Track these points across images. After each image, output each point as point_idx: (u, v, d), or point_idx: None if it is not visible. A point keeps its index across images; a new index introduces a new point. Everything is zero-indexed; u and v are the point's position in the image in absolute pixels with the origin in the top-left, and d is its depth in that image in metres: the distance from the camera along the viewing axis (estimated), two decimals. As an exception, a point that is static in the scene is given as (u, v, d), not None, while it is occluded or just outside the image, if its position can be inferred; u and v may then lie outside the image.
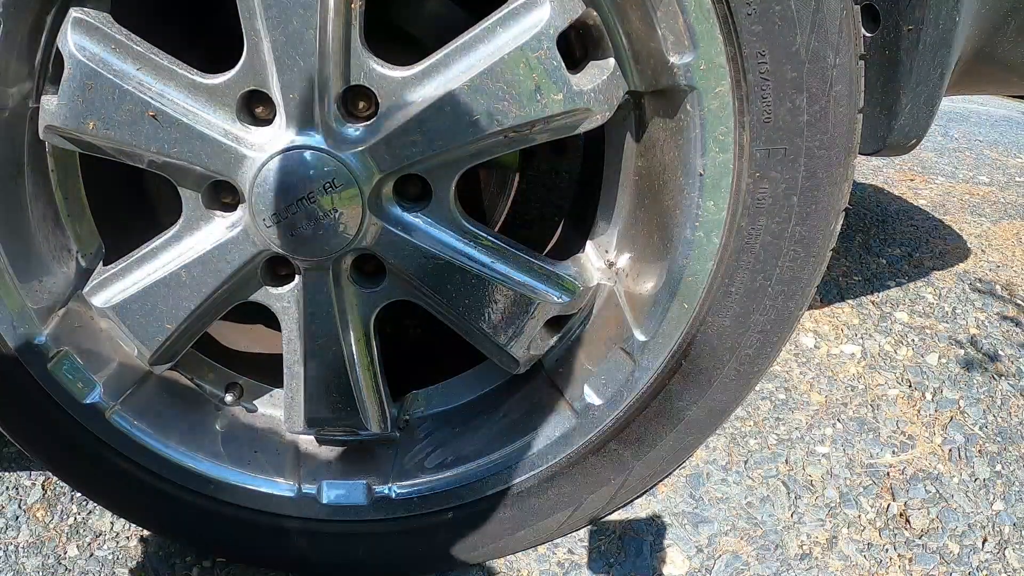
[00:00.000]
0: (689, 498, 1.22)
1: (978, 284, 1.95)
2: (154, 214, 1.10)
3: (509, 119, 0.76)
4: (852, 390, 1.50)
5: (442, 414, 1.05)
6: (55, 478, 1.20)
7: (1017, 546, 1.16)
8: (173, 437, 0.97)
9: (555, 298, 0.87)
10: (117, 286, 0.88)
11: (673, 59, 0.75)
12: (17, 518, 1.15)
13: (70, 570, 1.07)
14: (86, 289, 0.90)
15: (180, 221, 0.86)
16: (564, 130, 0.79)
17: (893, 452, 1.34)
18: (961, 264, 2.08)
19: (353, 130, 0.78)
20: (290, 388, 0.94)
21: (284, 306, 0.90)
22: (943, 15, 0.87)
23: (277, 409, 1.04)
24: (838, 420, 1.42)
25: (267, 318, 1.05)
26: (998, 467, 1.32)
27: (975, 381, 1.55)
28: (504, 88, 0.75)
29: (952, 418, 1.44)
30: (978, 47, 1.01)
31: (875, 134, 0.97)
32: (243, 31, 0.74)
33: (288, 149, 0.78)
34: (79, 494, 1.18)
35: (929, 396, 1.49)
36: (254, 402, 1.05)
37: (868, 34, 0.91)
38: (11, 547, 1.11)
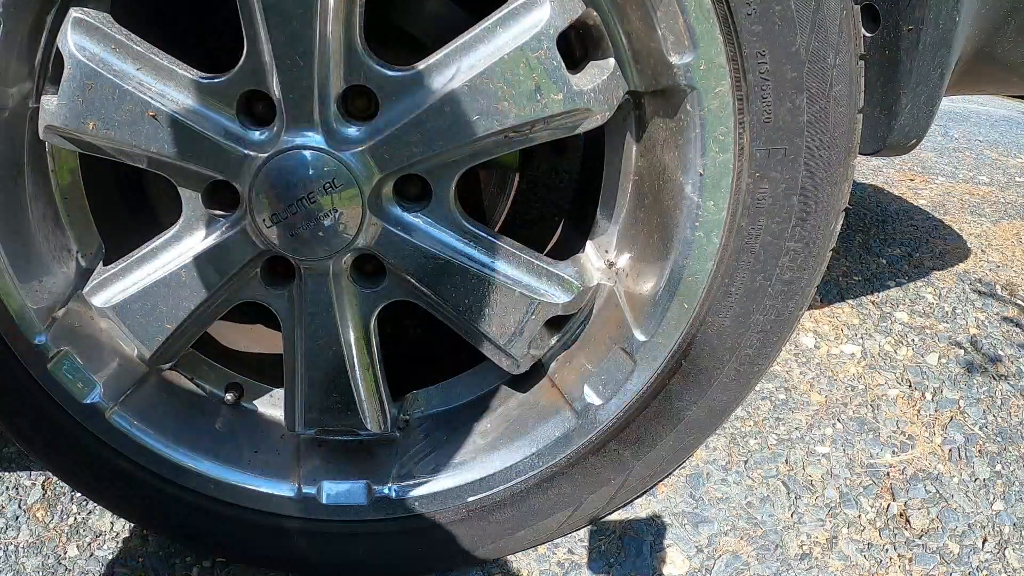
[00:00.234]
0: (689, 498, 1.22)
1: (978, 284, 1.95)
2: (154, 214, 1.10)
3: (509, 119, 0.76)
4: (852, 390, 1.50)
5: (442, 414, 1.05)
6: (55, 478, 1.20)
7: (1017, 546, 1.16)
8: (173, 437, 0.97)
9: (555, 298, 0.87)
10: (117, 286, 0.88)
11: (673, 59, 0.75)
12: (17, 518, 1.15)
13: (70, 570, 1.07)
14: (86, 289, 0.90)
15: (180, 221, 0.86)
16: (564, 130, 0.79)
17: (893, 452, 1.34)
18: (961, 264, 2.08)
19: (353, 130, 0.78)
20: (290, 388, 0.94)
21: (284, 306, 0.90)
22: (943, 15, 0.87)
23: (277, 409, 1.04)
24: (838, 420, 1.42)
25: (267, 318, 1.06)
26: (998, 467, 1.32)
27: (975, 381, 1.55)
28: (504, 88, 0.75)
29: (952, 418, 1.44)
30: (978, 47, 1.01)
31: (875, 134, 0.97)
32: (243, 31, 0.74)
33: (288, 149, 0.78)
34: (79, 494, 1.18)
35: (929, 396, 1.49)
36: (254, 402, 1.05)
37: (868, 34, 0.91)
38: (11, 547, 1.11)
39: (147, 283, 0.87)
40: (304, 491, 0.98)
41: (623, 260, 0.93)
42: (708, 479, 1.26)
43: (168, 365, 0.97)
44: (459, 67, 0.75)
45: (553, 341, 0.95)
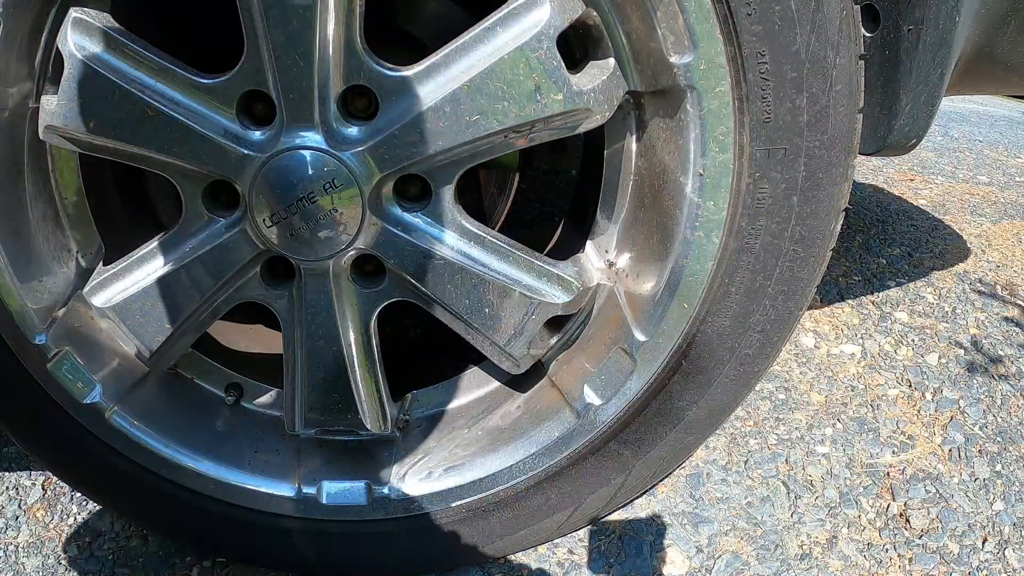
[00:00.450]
0: (689, 498, 1.22)
1: (978, 284, 1.95)
2: (154, 214, 1.10)
3: (509, 119, 0.76)
4: (852, 390, 1.50)
5: (442, 414, 1.05)
6: (55, 478, 1.20)
7: (1017, 546, 1.16)
8: (173, 437, 0.97)
9: (555, 298, 0.87)
10: (117, 286, 0.88)
11: (673, 59, 0.75)
12: (17, 518, 1.15)
13: (70, 570, 1.07)
14: (86, 289, 0.90)
15: (180, 221, 0.86)
16: (564, 130, 0.79)
17: (893, 452, 1.34)
18: (961, 264, 2.08)
19: (353, 130, 0.78)
20: (290, 388, 0.94)
21: (284, 306, 0.90)
22: (943, 15, 0.87)
23: (277, 409, 1.04)
24: (838, 420, 1.42)
25: (267, 318, 1.06)
26: (998, 467, 1.32)
27: (975, 381, 1.55)
28: (504, 88, 0.75)
29: (952, 418, 1.44)
30: (978, 47, 1.01)
31: (875, 134, 0.97)
32: (243, 31, 0.74)
33: (288, 149, 0.78)
34: (79, 494, 1.18)
35: (929, 396, 1.49)
36: (254, 402, 1.05)
37: (868, 34, 0.91)
38: (11, 547, 1.11)
39: (147, 283, 0.87)
40: (304, 491, 0.98)
41: (623, 260, 0.93)
42: (708, 479, 1.26)
43: (168, 365, 0.97)
44: (459, 67, 0.75)
45: (553, 341, 0.95)
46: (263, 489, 0.98)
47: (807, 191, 0.80)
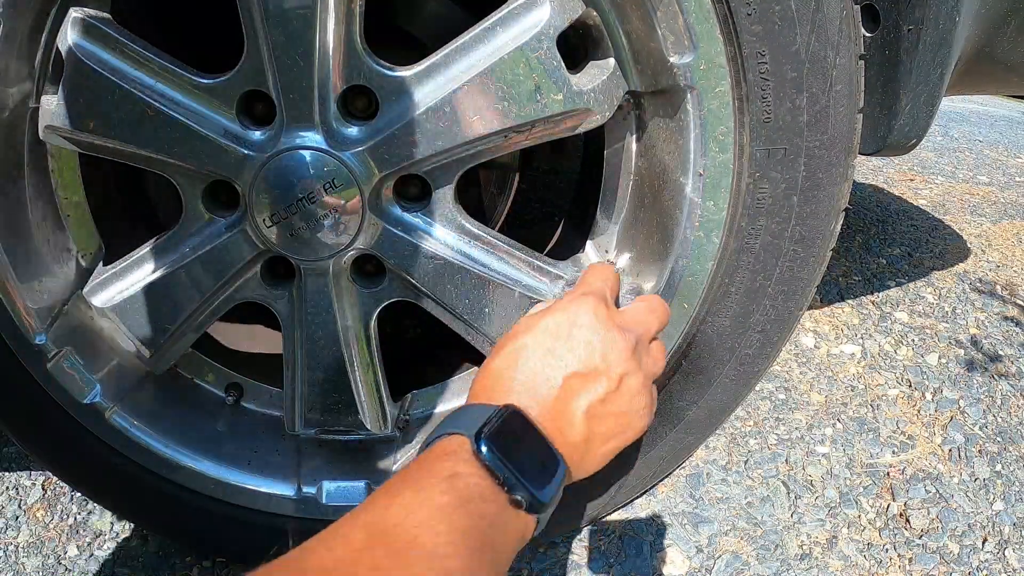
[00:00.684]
0: (689, 498, 1.22)
1: (978, 284, 1.95)
2: (154, 214, 1.10)
3: (509, 119, 0.76)
4: (852, 390, 1.50)
5: (442, 414, 1.05)
6: (55, 478, 1.20)
7: (1017, 546, 1.16)
8: (173, 437, 0.97)
9: (555, 298, 0.87)
10: (117, 286, 0.88)
11: (673, 59, 0.75)
12: (17, 518, 1.15)
13: (70, 570, 1.07)
14: (86, 289, 0.90)
15: (180, 221, 0.86)
16: (564, 130, 0.79)
17: (893, 452, 1.34)
18: (961, 264, 2.08)
19: (353, 130, 0.78)
20: (290, 388, 0.94)
21: (284, 306, 0.90)
22: (943, 15, 0.87)
23: (277, 409, 1.04)
24: (838, 420, 1.42)
25: (267, 318, 1.05)
26: (998, 467, 1.32)
27: (975, 381, 1.55)
28: (504, 88, 0.75)
29: (952, 418, 1.44)
30: (978, 47, 1.01)
31: (875, 134, 0.97)
32: (243, 31, 0.74)
33: (288, 149, 0.78)
34: (79, 494, 1.18)
35: (929, 396, 1.49)
36: (254, 402, 1.05)
37: (868, 34, 0.91)
38: (11, 547, 1.11)
39: (147, 283, 0.87)
40: (304, 491, 0.98)
41: (623, 260, 0.93)
42: (708, 479, 1.26)
43: (168, 365, 0.97)
44: (459, 67, 0.75)
45: (553, 341, 0.95)
46: (263, 489, 0.98)
47: (807, 191, 0.80)
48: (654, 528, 1.16)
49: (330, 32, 0.73)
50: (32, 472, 1.22)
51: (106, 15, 0.78)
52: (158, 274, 0.87)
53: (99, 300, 0.89)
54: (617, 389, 0.61)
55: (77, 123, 0.78)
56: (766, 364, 0.91)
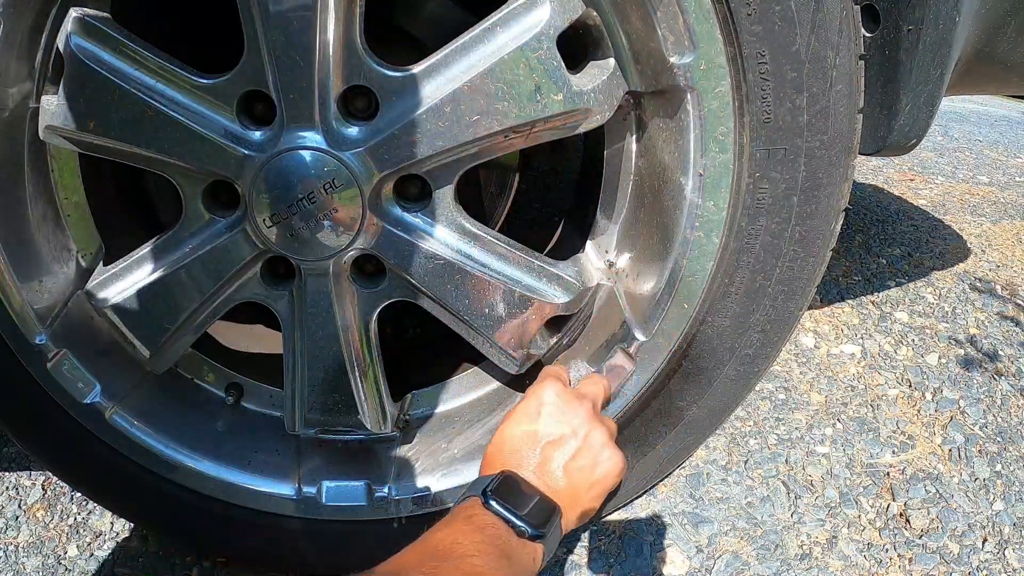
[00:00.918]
0: (689, 498, 1.22)
1: (978, 284, 1.95)
2: (154, 214, 1.10)
3: (509, 119, 0.76)
4: (852, 390, 1.50)
5: (442, 414, 1.05)
6: (55, 478, 1.20)
7: (1017, 546, 1.16)
8: (173, 437, 0.97)
9: (555, 298, 0.87)
10: (117, 286, 0.88)
11: (673, 59, 0.75)
12: (17, 518, 1.15)
13: (70, 570, 1.07)
14: (86, 289, 0.90)
15: (180, 221, 0.86)
16: (564, 130, 0.79)
17: (893, 452, 1.34)
18: (961, 264, 2.08)
19: (353, 130, 0.78)
20: (290, 388, 0.94)
21: (284, 306, 0.90)
22: (943, 15, 0.87)
23: (277, 409, 1.04)
24: (838, 420, 1.42)
25: (267, 318, 1.06)
26: (998, 467, 1.32)
27: (975, 381, 1.55)
28: (504, 88, 0.75)
29: (952, 418, 1.44)
30: (978, 47, 1.01)
31: (875, 134, 0.97)
32: (243, 31, 0.74)
33: (288, 149, 0.78)
34: (79, 494, 1.18)
35: (929, 396, 1.49)
36: (254, 402, 1.05)
37: (868, 34, 0.91)
38: (11, 547, 1.11)
39: (147, 283, 0.87)
40: (304, 491, 0.98)
41: (623, 260, 0.93)
42: (708, 479, 1.26)
43: (168, 365, 0.97)
44: (459, 67, 0.75)
45: (553, 341, 0.95)
46: (263, 489, 0.98)
47: (807, 191, 0.80)
48: (654, 528, 1.16)
49: (330, 32, 0.73)
50: (32, 472, 1.22)
51: (106, 15, 0.78)
52: (158, 274, 0.87)
53: (99, 300, 0.89)
54: (584, 444, 0.77)
55: (77, 123, 0.78)
56: (766, 364, 0.91)
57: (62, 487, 1.20)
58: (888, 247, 2.16)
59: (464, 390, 1.06)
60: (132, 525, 1.14)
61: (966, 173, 2.96)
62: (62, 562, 1.08)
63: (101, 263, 0.95)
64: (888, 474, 1.30)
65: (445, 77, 0.75)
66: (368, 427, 0.96)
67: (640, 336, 0.89)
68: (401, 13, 1.02)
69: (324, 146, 0.78)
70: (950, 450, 1.35)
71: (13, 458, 1.24)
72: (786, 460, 1.31)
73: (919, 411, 1.45)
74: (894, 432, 1.39)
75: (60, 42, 0.77)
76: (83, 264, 0.94)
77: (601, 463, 0.77)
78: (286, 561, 1.03)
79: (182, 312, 0.88)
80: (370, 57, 0.75)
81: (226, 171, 0.80)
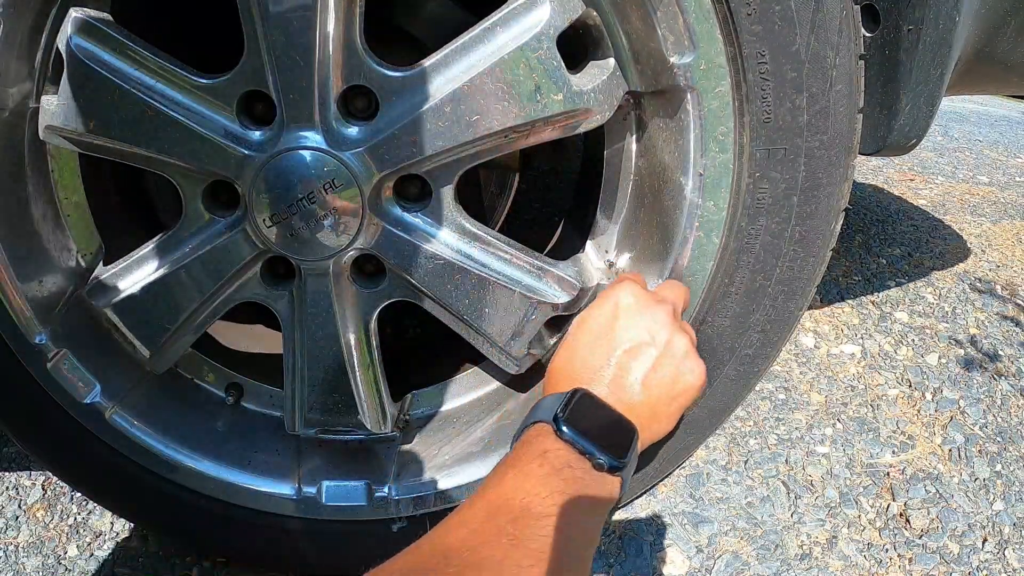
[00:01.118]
0: (689, 498, 1.22)
1: (978, 284, 1.95)
2: (154, 214, 1.10)
3: (509, 119, 0.76)
4: (852, 390, 1.50)
5: (442, 414, 1.05)
6: (55, 478, 1.20)
7: (1017, 546, 1.16)
8: (173, 437, 0.97)
9: (555, 298, 0.87)
10: (117, 286, 0.88)
11: (673, 59, 0.75)
12: (17, 518, 1.15)
13: (70, 570, 1.07)
14: (86, 289, 0.90)
15: (180, 221, 0.86)
16: (564, 130, 0.79)
17: (893, 452, 1.35)
18: (961, 264, 2.08)
19: (353, 130, 0.78)
20: (290, 388, 0.94)
21: (284, 306, 0.90)
22: (943, 15, 0.87)
23: (277, 409, 1.04)
24: (838, 420, 1.42)
25: (267, 318, 1.06)
26: (998, 467, 1.32)
27: (975, 381, 1.55)
28: (504, 88, 0.75)
29: (952, 418, 1.44)
30: (978, 47, 1.01)
31: (875, 134, 0.97)
32: (243, 31, 0.74)
33: (288, 149, 0.78)
34: (79, 494, 1.18)
35: (929, 396, 1.49)
36: (254, 402, 1.05)
37: (868, 34, 0.91)
38: (11, 547, 1.11)
39: (147, 283, 0.87)
40: (304, 491, 0.98)
41: (623, 260, 0.93)
42: (708, 479, 1.26)
43: (168, 365, 0.97)
44: (459, 67, 0.75)
45: (553, 341, 0.95)
46: (263, 489, 0.98)
47: (807, 191, 0.80)
48: (654, 528, 1.16)
49: (330, 32, 0.73)
50: (32, 472, 1.22)
51: (106, 15, 0.78)
52: (158, 274, 0.87)
53: (99, 300, 0.89)
54: (665, 352, 0.69)
55: (77, 123, 0.78)
56: (766, 364, 0.91)
57: (62, 487, 1.20)
58: (888, 247, 2.16)
59: (464, 390, 1.06)
60: (132, 525, 1.14)
61: (966, 173, 2.96)
62: (62, 562, 1.09)
63: (101, 263, 0.95)
64: (888, 474, 1.30)
65: (445, 77, 0.76)
66: (368, 427, 0.96)
67: (640, 336, 0.89)
68: (401, 13, 1.02)
69: (324, 146, 0.78)
70: (950, 450, 1.35)
71: (13, 458, 1.24)
72: (786, 460, 1.31)
73: (919, 411, 1.45)
74: (894, 432, 1.39)
75: (60, 42, 0.77)
76: (83, 264, 0.94)
77: (683, 374, 0.69)
78: (286, 561, 1.03)
79: (182, 312, 0.88)
80: (370, 57, 0.75)
81: (226, 171, 0.80)
